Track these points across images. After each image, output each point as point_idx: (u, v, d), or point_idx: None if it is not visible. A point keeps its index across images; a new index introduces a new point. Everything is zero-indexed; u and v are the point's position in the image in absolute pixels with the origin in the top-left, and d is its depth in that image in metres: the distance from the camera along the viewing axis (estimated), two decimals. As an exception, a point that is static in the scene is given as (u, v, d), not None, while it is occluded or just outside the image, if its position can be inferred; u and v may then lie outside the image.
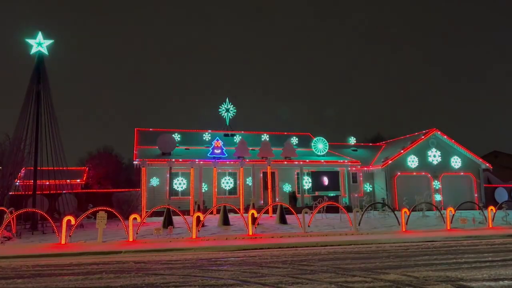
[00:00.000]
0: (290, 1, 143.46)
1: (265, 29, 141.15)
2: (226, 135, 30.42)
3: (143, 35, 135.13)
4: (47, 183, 18.25)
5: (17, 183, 18.98)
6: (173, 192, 25.84)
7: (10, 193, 17.71)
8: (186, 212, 23.15)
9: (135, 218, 13.15)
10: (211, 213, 21.47)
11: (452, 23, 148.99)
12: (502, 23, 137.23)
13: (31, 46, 18.40)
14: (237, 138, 29.05)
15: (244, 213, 20.87)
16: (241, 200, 24.92)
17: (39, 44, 18.37)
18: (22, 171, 19.49)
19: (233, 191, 27.30)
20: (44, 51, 18.46)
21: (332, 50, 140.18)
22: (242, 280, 7.04)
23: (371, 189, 30.49)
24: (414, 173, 29.69)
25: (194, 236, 13.08)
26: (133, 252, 10.99)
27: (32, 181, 17.47)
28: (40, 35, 18.40)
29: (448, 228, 15.30)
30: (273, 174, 27.09)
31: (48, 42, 18.62)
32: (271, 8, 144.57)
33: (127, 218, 13.67)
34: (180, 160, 24.90)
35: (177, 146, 26.44)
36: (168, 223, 15.92)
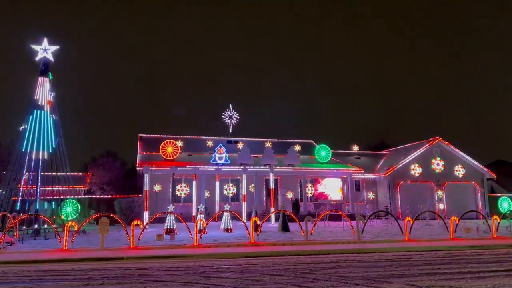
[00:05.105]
0: (297, 6, 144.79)
1: (268, 34, 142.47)
2: (229, 142, 30.45)
3: (149, 40, 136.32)
4: (50, 188, 18.30)
5: (20, 188, 19.02)
6: (175, 198, 25.83)
7: (13, 198, 17.73)
8: (188, 218, 23.18)
9: (137, 224, 13.14)
10: (214, 219, 21.39)
11: (451, 31, 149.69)
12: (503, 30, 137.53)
13: (36, 52, 18.44)
14: (240, 145, 29.08)
15: (246, 220, 20.81)
16: (243, 207, 24.86)
17: (44, 50, 18.38)
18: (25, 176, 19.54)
19: (235, 197, 27.27)
20: (50, 57, 18.50)
21: (335, 55, 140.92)
22: (244, 288, 7.01)
23: (374, 197, 30.37)
24: (418, 182, 29.59)
25: (196, 243, 13.05)
26: (134, 258, 10.97)
27: (35, 186, 17.52)
28: (45, 41, 18.43)
29: (452, 237, 15.19)
30: (276, 181, 27.06)
31: (54, 48, 18.60)
32: (275, 11, 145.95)
33: (129, 224, 13.66)
34: (183, 167, 24.91)
35: (180, 153, 26.49)
36: (170, 229, 15.94)
